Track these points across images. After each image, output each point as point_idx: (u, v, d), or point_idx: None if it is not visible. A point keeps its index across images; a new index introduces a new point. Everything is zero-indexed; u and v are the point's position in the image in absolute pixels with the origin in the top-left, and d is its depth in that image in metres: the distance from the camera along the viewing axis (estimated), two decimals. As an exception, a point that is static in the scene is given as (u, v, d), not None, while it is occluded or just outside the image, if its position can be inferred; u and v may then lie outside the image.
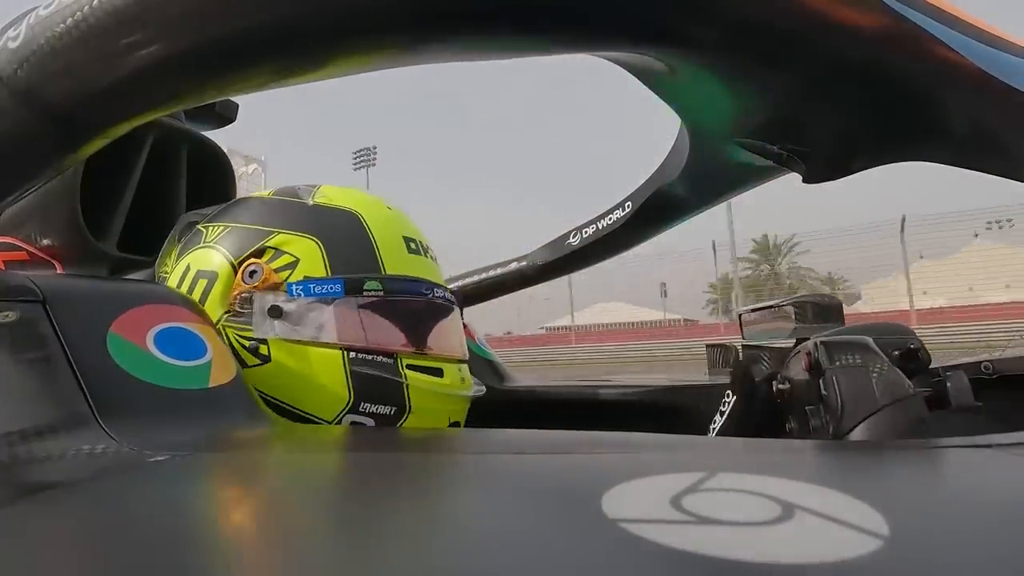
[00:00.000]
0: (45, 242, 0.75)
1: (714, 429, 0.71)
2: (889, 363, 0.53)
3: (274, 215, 0.64)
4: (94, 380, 0.42)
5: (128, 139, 0.72)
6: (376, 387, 0.60)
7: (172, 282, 0.64)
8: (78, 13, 0.33)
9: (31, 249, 0.76)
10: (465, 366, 0.70)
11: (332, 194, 0.67)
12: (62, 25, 0.33)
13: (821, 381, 0.54)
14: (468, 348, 0.74)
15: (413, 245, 0.67)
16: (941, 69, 0.36)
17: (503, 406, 0.96)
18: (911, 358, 0.59)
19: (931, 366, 0.63)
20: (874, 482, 0.28)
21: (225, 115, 0.96)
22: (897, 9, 0.34)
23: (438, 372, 0.65)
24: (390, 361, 0.61)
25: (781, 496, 0.23)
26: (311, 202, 0.65)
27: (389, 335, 0.62)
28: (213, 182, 0.92)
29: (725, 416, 0.70)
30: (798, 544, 0.19)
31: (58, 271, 0.76)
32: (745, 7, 0.34)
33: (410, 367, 0.62)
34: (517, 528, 0.23)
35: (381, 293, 0.61)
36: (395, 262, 0.64)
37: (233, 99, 0.97)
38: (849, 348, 0.55)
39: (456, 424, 0.67)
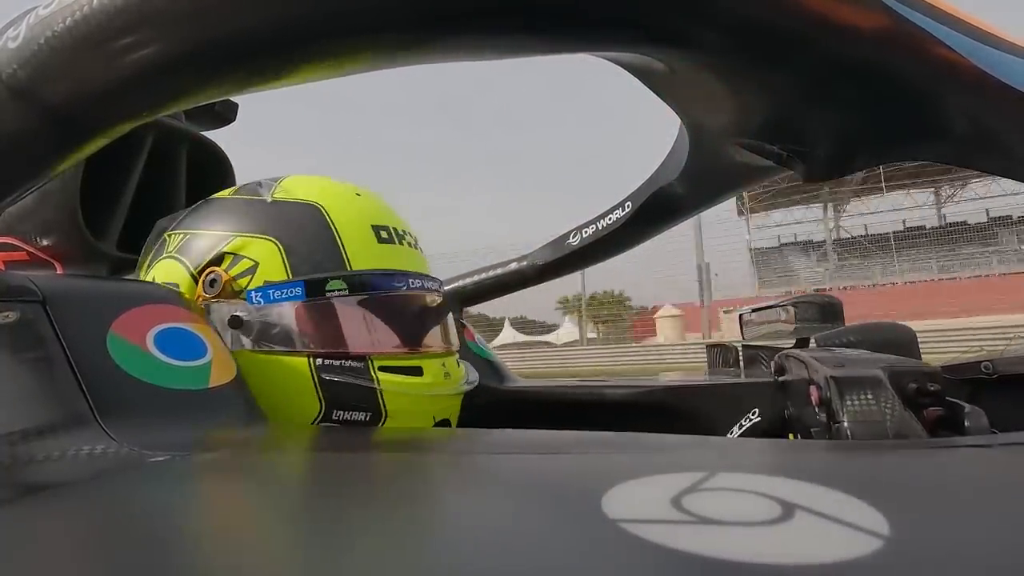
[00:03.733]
0: (45, 242, 0.75)
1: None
2: (903, 407, 0.53)
3: (232, 217, 0.61)
4: (94, 380, 0.42)
5: (128, 139, 0.72)
6: (347, 393, 0.56)
7: None
8: (78, 13, 0.33)
9: (31, 249, 0.76)
10: (452, 359, 0.66)
11: (293, 187, 0.62)
12: (62, 25, 0.33)
13: (836, 428, 0.54)
14: (467, 348, 0.72)
15: (385, 233, 0.62)
16: (940, 69, 0.36)
17: (502, 406, 0.96)
18: (926, 394, 0.58)
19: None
20: (875, 482, 0.28)
21: (225, 115, 0.96)
22: (897, 9, 0.34)
23: (417, 371, 0.60)
24: (360, 365, 0.57)
25: (782, 496, 0.23)
26: (270, 198, 0.61)
27: (358, 337, 0.58)
28: (213, 182, 0.92)
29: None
30: (799, 544, 0.19)
31: (58, 271, 0.76)
32: (745, 7, 0.34)
33: (383, 369, 0.58)
34: (516, 528, 0.23)
35: (346, 292, 0.57)
36: (362, 255, 0.59)
37: (233, 99, 0.97)
38: (861, 385, 0.54)
39: (445, 422, 0.63)
